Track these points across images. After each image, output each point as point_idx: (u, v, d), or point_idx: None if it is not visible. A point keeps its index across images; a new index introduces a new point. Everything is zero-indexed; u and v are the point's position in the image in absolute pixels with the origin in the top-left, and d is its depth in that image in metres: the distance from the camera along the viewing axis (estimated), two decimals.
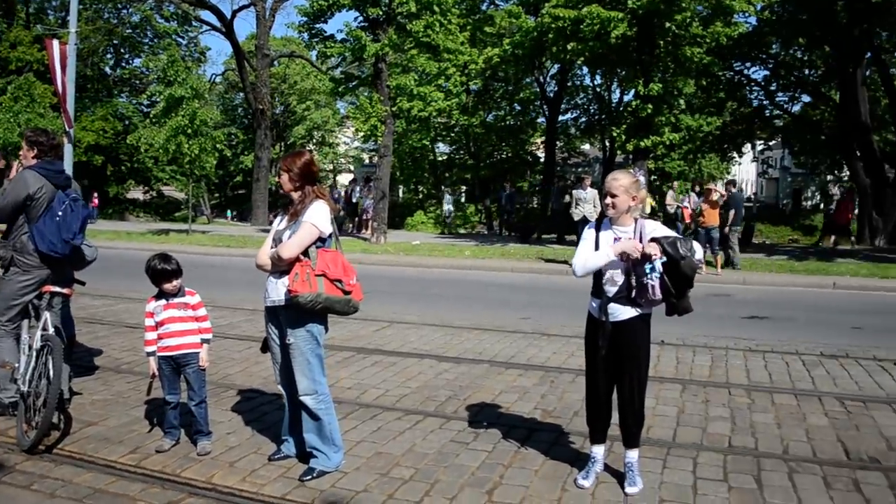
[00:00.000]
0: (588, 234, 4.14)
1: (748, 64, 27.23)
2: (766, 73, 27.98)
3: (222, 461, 4.50)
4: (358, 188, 29.24)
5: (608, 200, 4.01)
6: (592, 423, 4.24)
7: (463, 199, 38.50)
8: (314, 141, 54.43)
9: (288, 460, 4.48)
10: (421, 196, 38.35)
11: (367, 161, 51.99)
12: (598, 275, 4.06)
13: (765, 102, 28.45)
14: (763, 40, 25.06)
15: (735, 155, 33.06)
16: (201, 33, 50.69)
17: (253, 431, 5.06)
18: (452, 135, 37.04)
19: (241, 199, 55.41)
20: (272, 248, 4.33)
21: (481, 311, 10.19)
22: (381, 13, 21.38)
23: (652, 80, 18.76)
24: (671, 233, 4.00)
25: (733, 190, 16.33)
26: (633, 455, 4.13)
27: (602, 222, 4.14)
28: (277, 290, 4.28)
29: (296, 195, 4.34)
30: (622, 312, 4.00)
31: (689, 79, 19.69)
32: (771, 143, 36.21)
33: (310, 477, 4.21)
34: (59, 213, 5.13)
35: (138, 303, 10.25)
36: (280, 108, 53.21)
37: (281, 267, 4.24)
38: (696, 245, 3.92)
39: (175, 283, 4.72)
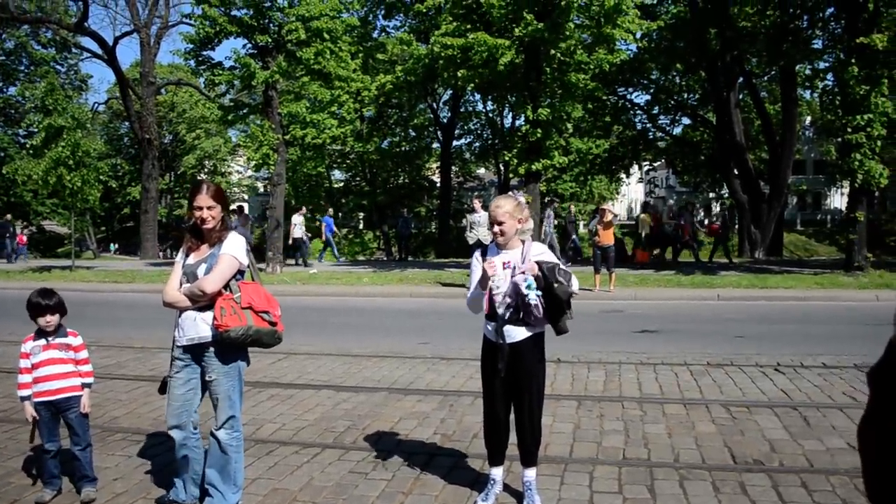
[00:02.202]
0: (475, 264, 4.20)
1: (631, 89, 28.58)
2: (648, 97, 29.42)
3: None
4: (235, 218, 28.31)
5: (496, 228, 4.10)
6: (491, 445, 4.28)
7: (361, 226, 38.36)
8: (206, 170, 53.08)
9: None
10: (317, 224, 37.96)
11: (261, 189, 51.09)
12: (492, 298, 4.11)
13: (648, 125, 29.88)
14: (644, 66, 26.35)
15: (623, 175, 34.41)
16: (82, 60, 48.53)
17: (141, 475, 4.81)
18: (348, 161, 37.04)
19: (128, 232, 53.33)
20: (183, 283, 4.14)
21: (380, 338, 10.13)
22: (269, 41, 21.15)
23: (540, 105, 19.30)
24: (554, 259, 4.12)
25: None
26: (531, 474, 4.18)
27: (488, 248, 4.22)
28: (197, 326, 4.07)
29: (213, 226, 4.17)
30: (517, 333, 4.06)
31: (576, 103, 20.35)
32: (656, 164, 37.93)
33: None
34: None
35: (15, 346, 9.63)
36: (168, 137, 51.69)
37: (200, 303, 4.06)
38: (574, 277, 4.05)
39: (50, 319, 4.43)
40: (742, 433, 5.46)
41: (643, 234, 22.64)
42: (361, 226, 39.29)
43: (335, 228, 27.91)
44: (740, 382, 7.00)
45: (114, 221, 56.07)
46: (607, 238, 15.41)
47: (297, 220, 24.25)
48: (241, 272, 4.16)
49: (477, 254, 4.25)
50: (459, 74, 19.49)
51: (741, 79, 26.49)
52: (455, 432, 5.60)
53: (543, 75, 19.83)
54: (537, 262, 3.99)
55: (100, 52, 34.79)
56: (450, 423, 5.84)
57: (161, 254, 34.78)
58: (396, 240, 28.05)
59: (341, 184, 39.73)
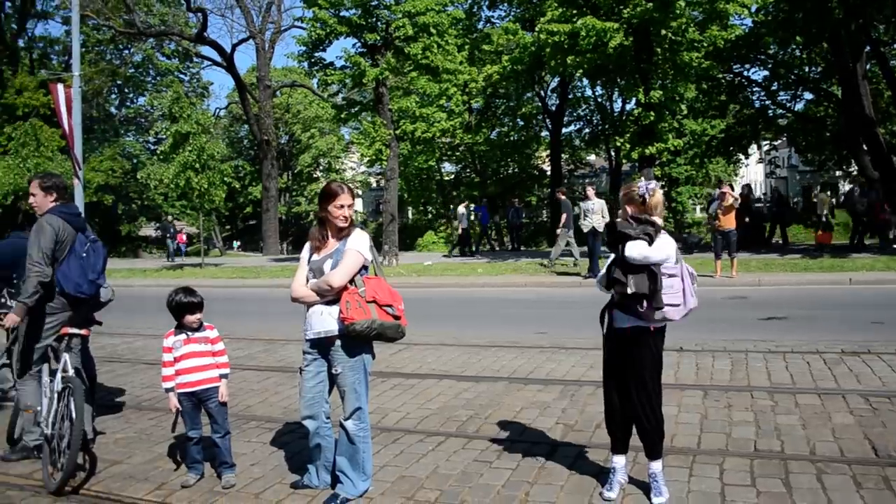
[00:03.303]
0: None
1: (747, 65, 27.28)
2: (766, 73, 28.01)
3: (247, 493, 4.50)
4: None
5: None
6: (610, 432, 4.26)
7: (472, 217, 38.59)
8: (321, 168, 54.80)
9: (311, 490, 4.47)
10: (430, 216, 38.45)
11: (374, 185, 52.24)
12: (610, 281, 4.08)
13: (767, 102, 28.44)
14: (760, 41, 25.10)
15: (741, 157, 33.00)
16: (203, 69, 51.31)
17: (276, 462, 5.05)
18: (458, 154, 37.24)
19: (251, 230, 55.79)
20: (310, 279, 4.33)
21: (497, 328, 10.18)
22: (378, 38, 21.58)
23: (652, 87, 18.81)
24: (652, 252, 3.93)
25: (563, 197, 17.73)
26: (656, 466, 4.11)
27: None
28: (324, 321, 4.25)
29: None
30: (623, 320, 4.03)
31: (689, 84, 19.70)
32: (776, 143, 36.14)
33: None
34: (83, 255, 5.20)
35: (156, 339, 10.28)
36: (285, 137, 53.69)
37: (327, 297, 4.23)
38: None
39: (197, 316, 4.72)
40: (884, 425, 5.15)
41: (823, 215, 20.89)
42: (472, 217, 39.51)
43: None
44: (879, 371, 6.61)
45: (237, 220, 58.85)
46: (729, 222, 14.84)
47: (462, 210, 24.81)
48: (364, 267, 4.28)
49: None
50: (568, 61, 19.25)
51: (868, 48, 24.79)
52: (577, 422, 5.57)
53: (654, 56, 19.32)
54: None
55: (219, 59, 36.57)
56: (571, 413, 5.81)
57: (282, 250, 36.30)
58: (508, 230, 28.03)
59: (452, 176, 40.03)
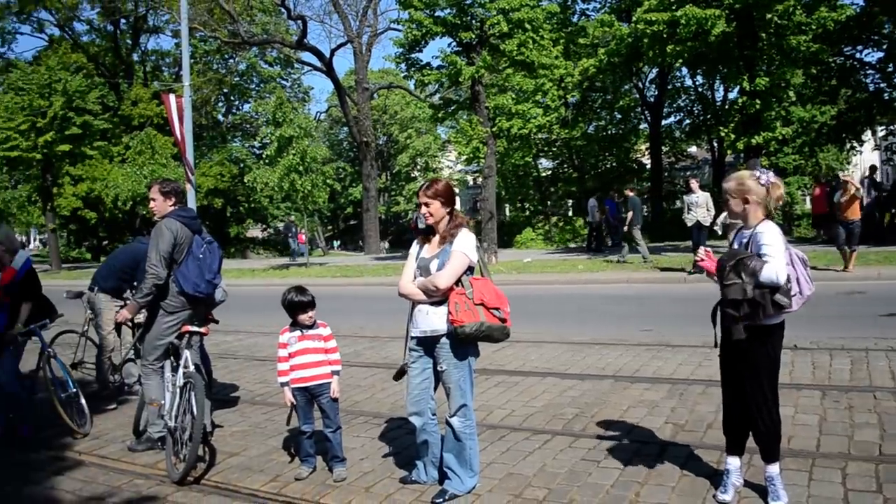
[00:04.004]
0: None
1: (859, 47, 25.76)
2: (881, 54, 26.38)
3: (358, 486, 4.62)
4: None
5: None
6: (725, 432, 4.14)
7: (570, 213, 38.13)
8: (418, 167, 55.49)
9: (420, 485, 4.55)
10: (528, 213, 38.23)
11: (471, 183, 52.46)
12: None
13: (882, 85, 26.77)
14: (873, 21, 23.67)
15: (855, 144, 31.27)
16: (303, 74, 52.81)
17: (385, 457, 5.16)
18: (554, 149, 36.88)
19: (351, 230, 57.05)
20: (417, 276, 4.39)
21: (600, 325, 10.04)
22: (473, 37, 21.65)
23: (757, 74, 18.10)
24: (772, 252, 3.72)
25: (631, 194, 18.24)
26: (772, 469, 3.94)
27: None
28: (430, 320, 4.31)
29: (442, 223, 4.38)
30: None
31: (796, 69, 18.84)
32: (893, 128, 33.98)
33: (441, 499, 4.25)
34: (200, 256, 5.46)
35: (265, 337, 10.71)
36: (383, 138, 54.66)
37: (433, 297, 4.29)
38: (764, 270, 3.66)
39: (310, 314, 4.87)
40: None
41: None
42: (571, 213, 39.00)
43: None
44: None
45: (338, 220, 60.35)
46: (853, 212, 14.07)
47: (592, 203, 24.40)
48: (471, 268, 4.31)
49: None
50: (667, 50, 18.76)
51: None
52: (688, 422, 5.43)
53: (759, 42, 18.59)
54: (728, 255, 3.78)
55: (319, 64, 37.58)
56: (681, 413, 5.67)
57: (384, 249, 37.01)
58: (607, 225, 27.56)
59: (548, 172, 39.67)
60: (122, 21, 43.63)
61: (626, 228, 17.90)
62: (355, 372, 7.87)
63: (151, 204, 5.66)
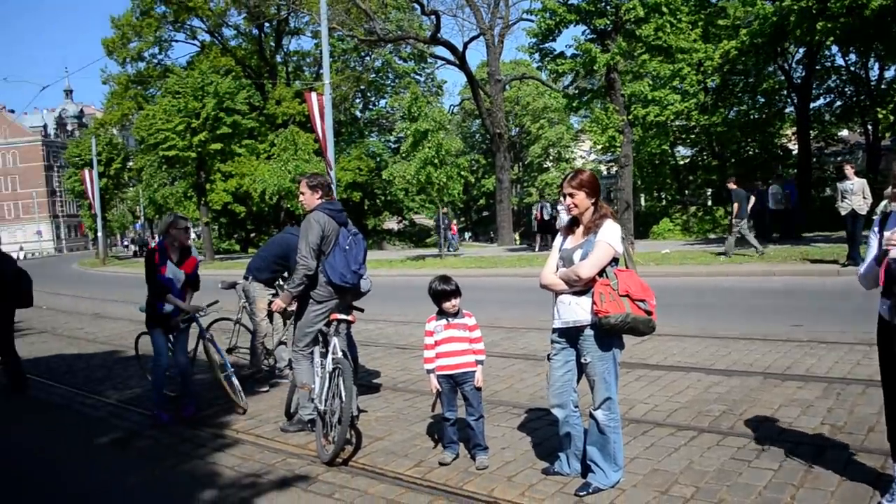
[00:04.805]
0: (872, 237, 3.79)
1: None
2: None
3: (500, 475, 4.66)
4: (548, 205, 27.90)
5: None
6: (891, 438, 3.82)
7: (710, 203, 36.63)
8: (550, 158, 55.06)
9: (562, 477, 4.53)
10: (664, 203, 37.09)
11: (605, 172, 51.49)
12: (890, 272, 3.65)
13: None
14: None
15: None
16: (437, 68, 53.64)
17: (526, 447, 5.18)
18: (693, 136, 35.51)
19: (484, 221, 57.42)
20: (559, 267, 4.37)
21: (745, 320, 9.60)
22: (608, 23, 21.16)
23: None
24: None
25: (734, 186, 17.48)
26: None
27: (890, 216, 3.75)
28: (572, 311, 4.27)
29: (587, 213, 4.33)
30: None
31: None
32: None
33: (585, 492, 4.22)
34: (346, 247, 5.68)
35: (405, 325, 11.01)
36: (515, 129, 54.58)
37: (575, 287, 4.24)
38: None
39: (454, 302, 4.96)
40: None
41: None
42: (710, 202, 37.44)
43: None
44: None
45: (471, 212, 60.92)
46: None
47: (774, 190, 23.16)
48: (615, 259, 4.23)
49: (876, 223, 3.82)
50: (818, 27, 17.60)
51: None
52: (846, 423, 5.11)
53: None
54: None
55: (452, 58, 37.96)
56: (839, 413, 5.34)
57: (517, 240, 36.98)
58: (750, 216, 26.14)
59: (687, 160, 38.25)
60: (266, 25, 45.94)
61: (733, 221, 17.33)
62: (494, 362, 7.91)
63: (301, 198, 5.92)
